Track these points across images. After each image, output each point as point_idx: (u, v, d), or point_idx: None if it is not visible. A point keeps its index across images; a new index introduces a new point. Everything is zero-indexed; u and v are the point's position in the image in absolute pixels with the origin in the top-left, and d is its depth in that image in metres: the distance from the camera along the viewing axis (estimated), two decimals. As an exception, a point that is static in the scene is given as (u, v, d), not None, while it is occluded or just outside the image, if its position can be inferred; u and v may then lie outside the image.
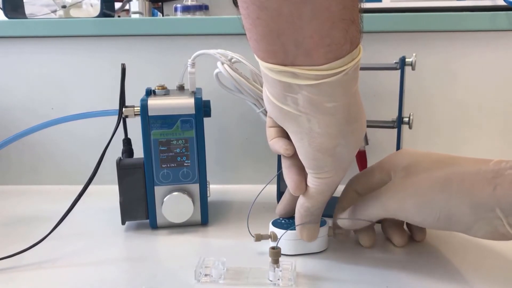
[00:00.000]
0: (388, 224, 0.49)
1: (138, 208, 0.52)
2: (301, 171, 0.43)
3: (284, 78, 0.36)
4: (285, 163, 0.44)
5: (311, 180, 0.42)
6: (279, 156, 0.57)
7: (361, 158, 0.57)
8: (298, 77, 0.35)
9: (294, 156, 0.43)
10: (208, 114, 0.53)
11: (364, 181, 0.47)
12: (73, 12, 0.76)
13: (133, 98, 0.53)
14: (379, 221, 0.49)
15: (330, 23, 0.33)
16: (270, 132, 0.45)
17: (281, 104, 0.38)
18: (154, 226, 0.53)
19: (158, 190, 0.52)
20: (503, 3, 0.65)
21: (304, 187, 0.43)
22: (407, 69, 0.53)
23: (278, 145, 0.44)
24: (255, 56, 0.38)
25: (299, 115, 0.38)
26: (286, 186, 0.62)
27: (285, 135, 0.44)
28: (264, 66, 0.37)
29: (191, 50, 0.54)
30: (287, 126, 0.40)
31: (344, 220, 0.46)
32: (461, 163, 0.41)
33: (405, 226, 0.49)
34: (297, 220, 0.44)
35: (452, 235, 0.51)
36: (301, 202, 0.44)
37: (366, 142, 0.55)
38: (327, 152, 0.39)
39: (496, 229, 0.37)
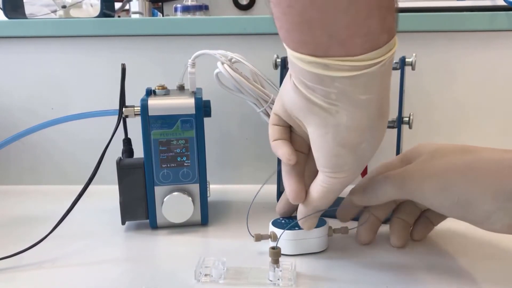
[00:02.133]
0: (396, 221, 0.47)
1: (138, 208, 0.52)
2: (301, 178, 0.42)
3: (315, 70, 0.34)
4: (285, 168, 0.43)
5: (324, 180, 0.39)
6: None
7: None
8: (330, 69, 0.33)
9: (296, 163, 0.42)
10: (208, 114, 0.53)
11: (386, 168, 0.46)
12: (73, 12, 0.76)
13: (133, 98, 0.53)
14: (386, 221, 0.48)
15: (367, 11, 0.31)
16: (274, 131, 0.43)
17: (309, 94, 0.36)
18: (154, 226, 0.53)
19: (158, 190, 0.52)
20: (503, 3, 0.65)
21: (304, 196, 0.42)
22: (407, 69, 0.53)
23: (281, 152, 0.42)
24: (284, 45, 0.35)
25: (328, 107, 0.35)
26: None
27: (288, 136, 0.43)
28: (294, 56, 0.35)
29: (191, 50, 0.54)
30: (310, 118, 0.37)
31: (358, 194, 0.45)
32: (481, 152, 0.41)
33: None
34: (300, 215, 0.43)
35: (452, 235, 0.51)
36: (309, 202, 0.42)
37: None
38: (352, 148, 0.37)
39: None
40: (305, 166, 0.45)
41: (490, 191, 0.37)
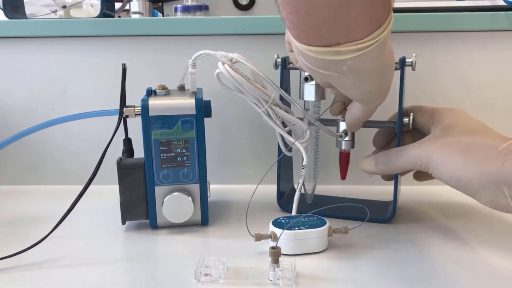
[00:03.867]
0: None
1: (138, 208, 0.52)
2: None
3: (328, 57, 0.38)
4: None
5: (360, 108, 0.48)
6: (279, 154, 0.57)
7: (345, 159, 0.56)
8: (341, 54, 0.37)
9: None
10: (208, 114, 0.53)
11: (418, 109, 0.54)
12: (73, 12, 0.76)
13: (134, 98, 0.53)
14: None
15: (373, 1, 0.35)
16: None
17: (323, 71, 0.40)
18: (154, 226, 0.53)
19: (159, 190, 0.52)
20: (503, 3, 0.65)
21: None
22: (407, 69, 0.53)
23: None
24: (295, 41, 0.39)
25: (343, 77, 0.40)
26: (286, 186, 0.62)
27: None
28: (306, 49, 0.38)
29: (191, 50, 0.54)
30: (329, 82, 0.44)
31: (371, 163, 0.53)
32: (487, 135, 0.47)
33: None
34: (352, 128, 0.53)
35: (452, 235, 0.51)
36: (355, 117, 0.50)
37: (352, 146, 0.55)
38: (372, 91, 0.44)
39: (497, 199, 0.42)
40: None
41: (477, 172, 0.43)
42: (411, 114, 0.53)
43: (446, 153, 0.46)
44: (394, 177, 0.55)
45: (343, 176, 0.56)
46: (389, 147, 0.56)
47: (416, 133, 0.54)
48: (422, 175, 0.54)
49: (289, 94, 0.58)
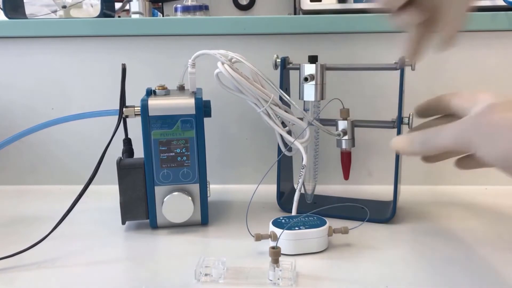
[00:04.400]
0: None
1: (138, 208, 0.52)
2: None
3: None
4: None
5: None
6: (278, 153, 0.57)
7: (347, 159, 0.56)
8: None
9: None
10: (208, 114, 0.53)
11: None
12: (73, 12, 0.76)
13: (134, 98, 0.53)
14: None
15: None
16: None
17: None
18: (154, 226, 0.53)
19: (158, 190, 0.52)
20: (503, 3, 0.65)
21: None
22: (407, 69, 0.53)
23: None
24: None
25: None
26: (286, 186, 0.62)
27: None
28: None
29: (191, 50, 0.54)
30: None
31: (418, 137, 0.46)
32: None
33: None
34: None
35: (452, 235, 0.51)
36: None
37: (353, 144, 0.55)
38: None
39: None
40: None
41: None
42: (410, 114, 0.53)
43: (492, 130, 0.41)
44: (435, 159, 0.50)
45: (346, 175, 0.56)
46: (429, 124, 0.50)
47: (453, 118, 0.48)
48: (465, 162, 0.49)
49: (288, 94, 0.58)
